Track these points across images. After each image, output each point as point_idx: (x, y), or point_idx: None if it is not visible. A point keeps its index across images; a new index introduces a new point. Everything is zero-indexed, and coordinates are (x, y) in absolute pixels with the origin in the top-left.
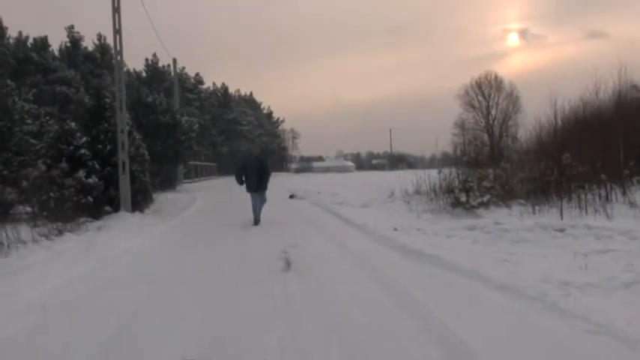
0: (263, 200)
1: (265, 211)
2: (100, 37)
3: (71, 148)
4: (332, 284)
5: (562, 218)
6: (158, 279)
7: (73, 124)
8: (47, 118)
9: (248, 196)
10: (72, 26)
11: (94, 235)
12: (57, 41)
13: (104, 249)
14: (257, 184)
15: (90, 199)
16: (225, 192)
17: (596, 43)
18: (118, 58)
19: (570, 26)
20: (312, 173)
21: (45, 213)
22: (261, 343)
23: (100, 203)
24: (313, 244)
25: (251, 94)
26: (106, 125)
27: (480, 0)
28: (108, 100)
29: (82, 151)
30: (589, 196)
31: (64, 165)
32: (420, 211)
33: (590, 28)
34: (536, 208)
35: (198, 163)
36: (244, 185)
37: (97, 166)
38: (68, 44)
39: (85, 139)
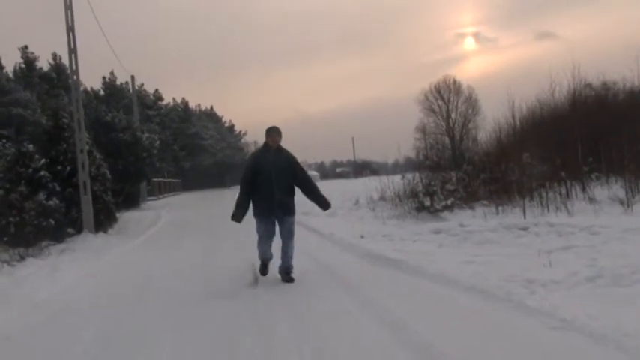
0: (291, 232)
1: (231, 225)
2: (55, 56)
3: (30, 170)
4: (299, 295)
5: (525, 217)
6: (124, 302)
7: (30, 146)
8: (4, 141)
9: (218, 213)
10: (26, 47)
11: (57, 258)
12: (11, 62)
13: (68, 273)
14: (282, 203)
15: (51, 221)
16: (190, 208)
17: (547, 44)
18: (75, 77)
19: (520, 29)
20: None
21: (5, 238)
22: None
23: (62, 226)
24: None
25: (212, 107)
26: (64, 146)
27: (431, 7)
28: (66, 121)
29: (42, 173)
30: (550, 194)
31: (22, 188)
32: (386, 217)
33: (539, 30)
34: (500, 208)
35: (161, 179)
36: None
37: (57, 188)
38: (22, 65)
39: (43, 161)
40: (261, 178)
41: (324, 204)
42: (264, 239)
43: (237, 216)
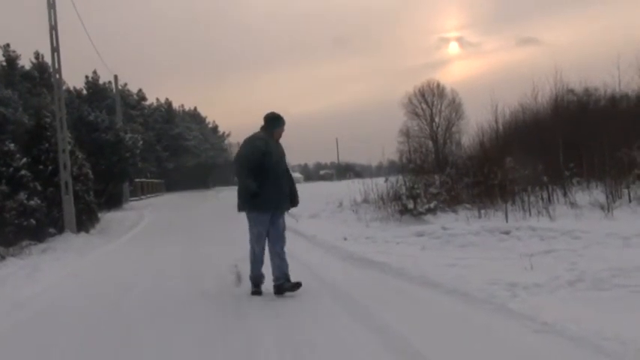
0: (283, 232)
1: (213, 225)
2: (37, 55)
3: (11, 169)
4: (281, 297)
5: (507, 221)
6: (107, 302)
7: (12, 145)
8: None
9: (201, 214)
10: (8, 45)
11: (38, 258)
12: None
13: (49, 272)
14: (285, 195)
15: (32, 221)
16: (173, 208)
17: (530, 49)
18: (57, 76)
19: (503, 34)
20: None
21: None
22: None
23: (43, 225)
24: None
25: (195, 108)
26: (46, 145)
27: (414, 11)
28: (48, 120)
29: (23, 172)
30: (532, 198)
31: (3, 187)
32: (369, 219)
33: (522, 35)
34: (482, 212)
35: (144, 180)
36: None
37: (38, 188)
38: (4, 63)
39: (25, 160)
40: (270, 165)
41: (297, 200)
42: (259, 244)
43: (248, 201)
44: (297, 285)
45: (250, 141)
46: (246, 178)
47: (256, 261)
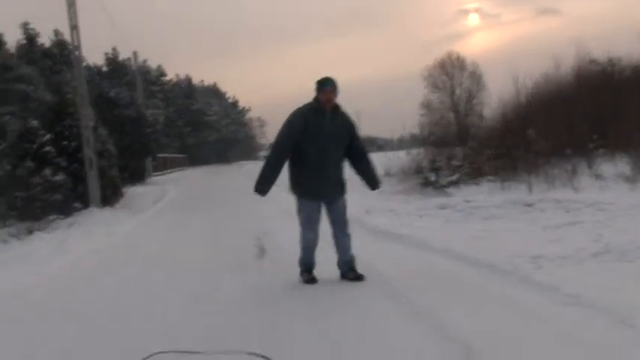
0: (345, 216)
1: (236, 200)
2: (57, 32)
3: (35, 146)
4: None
5: (531, 193)
6: (132, 276)
7: (35, 121)
8: (8, 117)
9: (223, 188)
10: (27, 23)
11: (64, 232)
12: (12, 39)
13: (76, 246)
14: (338, 182)
15: (58, 196)
16: (196, 183)
17: (550, 20)
18: (77, 53)
19: (523, 4)
20: None
21: (13, 213)
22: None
23: (69, 200)
24: (288, 231)
25: (215, 84)
26: (69, 121)
27: None
28: (70, 96)
29: (47, 148)
30: (556, 171)
31: (29, 164)
32: (391, 192)
33: (541, 6)
34: (505, 184)
35: (167, 155)
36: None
37: (63, 163)
38: (24, 41)
39: (48, 136)
40: (311, 148)
41: (375, 182)
42: (309, 229)
43: (263, 188)
44: (360, 277)
45: (290, 117)
46: (268, 163)
47: (305, 247)
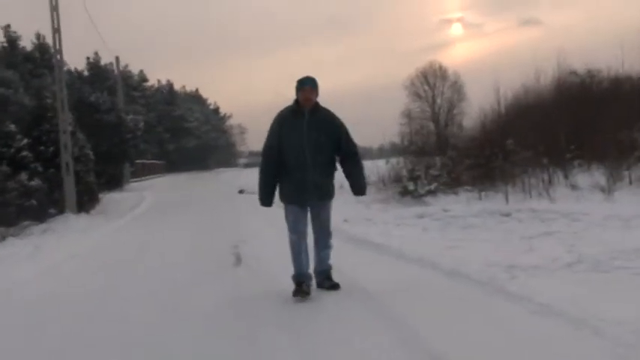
0: (327, 222)
1: (213, 207)
2: (38, 36)
3: (12, 150)
4: (277, 273)
5: (507, 203)
6: (104, 285)
7: (12, 126)
8: None
9: (201, 195)
10: (8, 25)
11: (39, 238)
12: None
13: (49, 252)
14: (319, 186)
15: (33, 202)
16: (174, 190)
17: (532, 31)
18: (58, 57)
19: (505, 14)
20: None
21: None
22: None
23: (44, 206)
24: (265, 239)
25: (197, 90)
26: (47, 126)
27: None
28: (49, 101)
29: (24, 153)
30: (533, 181)
31: (5, 168)
32: (369, 201)
33: (524, 17)
34: (483, 193)
35: (145, 161)
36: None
37: (39, 169)
38: (5, 44)
39: (26, 140)
40: (288, 150)
41: (358, 187)
42: (294, 232)
43: (264, 199)
44: (335, 286)
45: (272, 122)
46: (260, 172)
47: (296, 253)
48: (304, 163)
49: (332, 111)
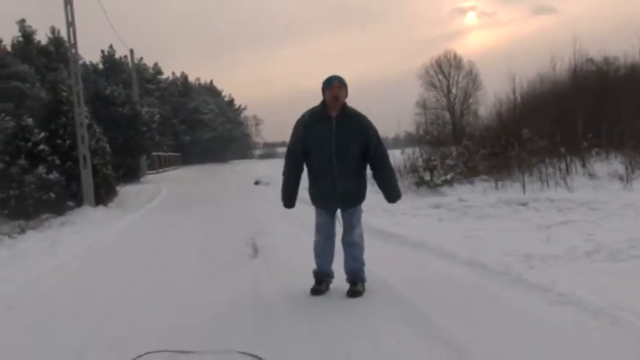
0: (356, 227)
1: (230, 199)
2: (53, 30)
3: (29, 144)
4: (294, 264)
5: (524, 192)
6: (121, 278)
7: (30, 119)
8: (3, 114)
9: (217, 187)
10: (23, 20)
11: (57, 231)
12: (8, 36)
13: (69, 245)
14: (347, 193)
15: (52, 195)
16: (190, 182)
17: (545, 19)
18: (73, 51)
19: (518, 3)
20: (277, 159)
21: (6, 211)
22: None
23: (62, 199)
24: (282, 231)
25: (211, 82)
26: (64, 119)
27: None
28: (65, 94)
29: (41, 146)
30: (550, 170)
31: (22, 162)
32: None
33: (537, 4)
34: (499, 183)
35: (161, 153)
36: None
37: (57, 162)
38: (20, 38)
39: (43, 134)
40: (315, 157)
41: (394, 195)
42: (319, 234)
43: (287, 202)
44: (354, 293)
45: (295, 123)
46: (283, 174)
47: (319, 254)
48: (331, 172)
49: (361, 113)
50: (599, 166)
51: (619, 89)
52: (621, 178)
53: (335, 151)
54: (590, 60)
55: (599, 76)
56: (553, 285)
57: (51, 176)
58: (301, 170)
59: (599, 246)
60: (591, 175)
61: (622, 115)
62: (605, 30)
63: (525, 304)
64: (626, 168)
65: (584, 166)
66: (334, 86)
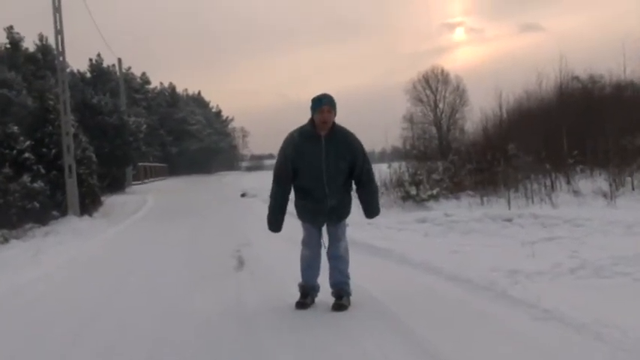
0: (342, 241)
1: (216, 211)
2: (41, 37)
3: (14, 152)
4: (279, 277)
5: (509, 208)
6: (104, 290)
7: (15, 127)
8: None
9: (203, 198)
10: (11, 27)
11: (41, 241)
12: None
13: (53, 255)
14: (337, 209)
15: (36, 204)
16: (176, 193)
17: (532, 36)
18: (61, 59)
19: (506, 20)
20: (264, 171)
21: None
22: None
23: (46, 208)
24: (268, 243)
25: (199, 93)
26: (50, 128)
27: None
28: (52, 103)
29: (26, 155)
30: (535, 186)
31: (7, 170)
32: None
33: (524, 22)
34: (485, 198)
35: (147, 164)
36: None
37: (42, 170)
38: (8, 45)
39: (28, 142)
40: (304, 177)
41: (373, 212)
42: (306, 248)
43: (273, 224)
44: (339, 307)
45: (282, 143)
46: (270, 196)
47: (305, 267)
48: (322, 190)
49: (349, 131)
50: (583, 183)
51: (604, 107)
52: (605, 196)
53: (325, 169)
54: (576, 77)
55: (585, 93)
56: (538, 301)
57: (35, 185)
58: (289, 193)
59: (584, 262)
60: (576, 192)
61: (607, 132)
62: (590, 48)
63: (510, 320)
64: (610, 185)
65: (568, 182)
66: (324, 110)
